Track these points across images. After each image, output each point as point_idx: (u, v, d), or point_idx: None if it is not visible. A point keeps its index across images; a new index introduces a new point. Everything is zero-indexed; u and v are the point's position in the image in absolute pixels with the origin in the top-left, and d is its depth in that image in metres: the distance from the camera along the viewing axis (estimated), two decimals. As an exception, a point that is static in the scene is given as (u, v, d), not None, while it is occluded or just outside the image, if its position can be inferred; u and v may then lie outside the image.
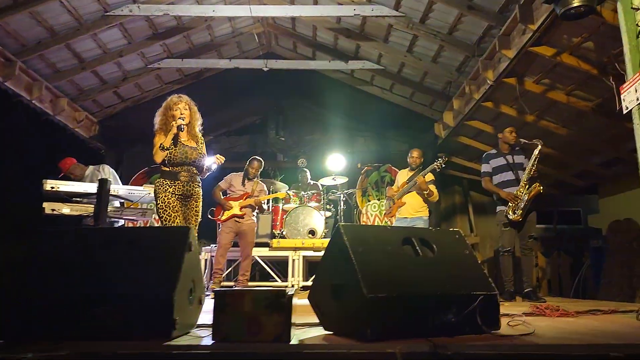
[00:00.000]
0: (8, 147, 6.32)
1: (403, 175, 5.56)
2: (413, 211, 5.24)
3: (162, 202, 3.54)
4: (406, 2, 5.62)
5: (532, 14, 4.47)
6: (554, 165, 7.45)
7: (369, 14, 5.79)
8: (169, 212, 3.52)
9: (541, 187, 4.48)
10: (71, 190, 4.53)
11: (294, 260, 6.24)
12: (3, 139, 6.28)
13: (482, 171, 5.00)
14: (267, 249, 6.34)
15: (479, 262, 2.09)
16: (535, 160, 4.55)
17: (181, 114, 3.59)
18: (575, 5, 3.03)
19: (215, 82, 8.06)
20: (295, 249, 6.25)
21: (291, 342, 1.64)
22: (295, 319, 2.20)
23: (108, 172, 5.54)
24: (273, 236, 6.60)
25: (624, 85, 2.93)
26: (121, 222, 5.21)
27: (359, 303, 1.70)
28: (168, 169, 3.60)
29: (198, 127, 3.79)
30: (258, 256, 6.36)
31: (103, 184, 4.49)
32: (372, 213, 7.91)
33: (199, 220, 3.77)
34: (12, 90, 5.68)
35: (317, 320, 2.04)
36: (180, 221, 3.57)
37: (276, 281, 6.41)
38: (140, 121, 7.90)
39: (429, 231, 2.14)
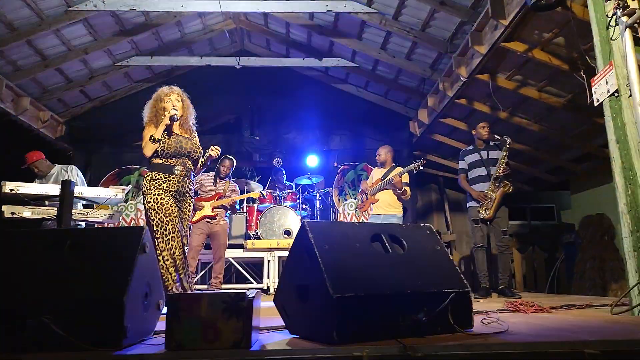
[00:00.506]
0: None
1: (378, 172, 5.50)
2: (387, 208, 5.19)
3: (153, 203, 3.15)
4: (379, -2, 5.57)
5: (503, 9, 4.46)
6: (526, 162, 7.51)
7: (342, 10, 5.72)
8: (160, 217, 3.12)
9: (510, 187, 4.47)
10: (32, 193, 4.32)
11: (269, 261, 6.12)
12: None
13: (458, 168, 5.00)
14: (242, 250, 6.21)
15: (452, 259, 2.02)
16: (504, 158, 4.54)
17: (173, 106, 3.34)
18: (545, -4, 3.00)
19: (187, 81, 7.81)
20: (271, 249, 6.13)
21: (252, 349, 1.53)
22: (261, 322, 2.10)
23: (75, 174, 5.35)
24: (248, 237, 6.46)
25: (595, 78, 2.91)
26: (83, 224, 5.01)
27: (325, 304, 1.60)
28: (161, 161, 3.27)
29: (192, 121, 3.52)
30: (232, 258, 6.22)
31: (66, 185, 4.29)
32: (349, 212, 7.84)
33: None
34: (-31, 88, 5.41)
35: (283, 324, 1.94)
36: (174, 227, 3.14)
37: (251, 283, 6.27)
38: (109, 121, 7.76)
39: (399, 227, 2.05)
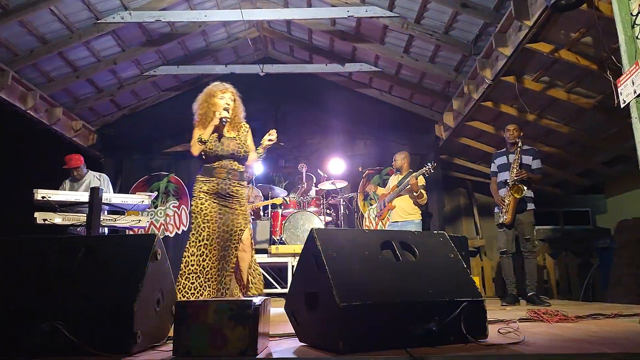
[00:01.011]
0: (5, 157, 6.31)
1: (394, 179, 5.47)
2: (404, 214, 5.16)
3: (194, 206, 3.13)
4: (400, 2, 5.53)
5: (527, 10, 4.36)
6: (557, 165, 7.29)
7: (363, 15, 5.70)
8: (198, 221, 3.07)
9: (521, 192, 4.34)
10: (62, 200, 4.47)
11: (293, 266, 6.13)
12: (1, 150, 6.28)
13: (490, 171, 4.92)
14: (266, 255, 6.24)
15: (466, 267, 1.97)
16: (515, 162, 4.42)
17: (227, 104, 3.27)
18: (565, -5, 2.92)
19: (213, 89, 8.00)
20: (295, 255, 6.14)
21: (258, 356, 1.53)
22: (273, 329, 2.10)
23: (106, 182, 5.54)
24: (272, 242, 6.50)
25: (621, 78, 2.80)
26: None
27: (332, 312, 1.59)
28: (206, 163, 3.22)
29: (242, 120, 3.42)
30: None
31: (95, 192, 4.42)
32: (374, 217, 7.80)
33: (249, 225, 3.26)
34: (6, 100, 5.64)
35: (294, 331, 1.94)
36: (211, 233, 3.06)
37: (276, 288, 6.30)
38: (139, 129, 7.96)
39: (411, 234, 2.02)
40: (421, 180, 5.08)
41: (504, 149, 4.83)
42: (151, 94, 7.80)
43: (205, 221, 3.06)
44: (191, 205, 3.17)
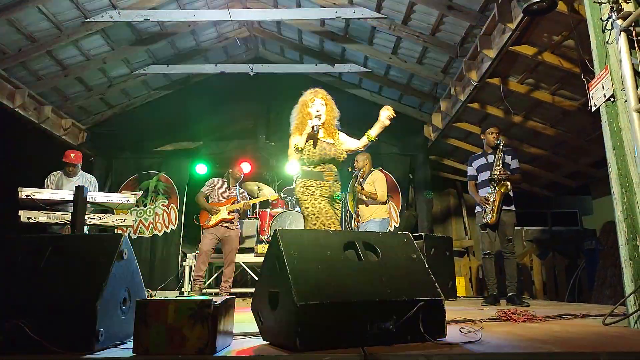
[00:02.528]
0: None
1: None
2: (368, 214, 5.31)
3: (312, 208, 3.16)
4: (387, 4, 5.57)
5: (510, 13, 4.41)
6: (544, 166, 7.36)
7: (351, 16, 5.73)
8: (322, 220, 3.14)
9: (508, 187, 4.39)
10: (47, 198, 4.49)
11: (279, 265, 6.16)
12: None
13: (467, 174, 4.97)
14: (252, 254, 6.28)
15: (427, 268, 2.01)
16: (498, 160, 4.46)
17: (317, 112, 3.29)
18: (537, 0, 2.95)
19: (203, 88, 8.04)
20: (281, 254, 6.17)
21: (216, 354, 1.57)
22: (241, 327, 2.14)
23: (93, 184, 5.57)
24: (260, 242, 6.54)
25: (592, 82, 2.85)
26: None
27: (290, 311, 1.63)
28: (310, 168, 3.25)
29: (335, 122, 3.42)
30: (243, 262, 6.30)
31: (79, 191, 4.44)
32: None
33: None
34: (-6, 98, 5.66)
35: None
36: (336, 223, 3.17)
37: (262, 287, 6.34)
38: (129, 128, 7.98)
39: (374, 235, 2.06)
40: (372, 186, 5.24)
41: (481, 152, 4.88)
42: (141, 93, 7.82)
43: (328, 218, 3.16)
44: (306, 208, 3.20)
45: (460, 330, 2.05)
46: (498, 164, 4.44)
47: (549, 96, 5.55)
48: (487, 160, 4.71)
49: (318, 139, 3.26)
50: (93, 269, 1.72)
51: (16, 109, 6.05)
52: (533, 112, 6.07)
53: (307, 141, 3.24)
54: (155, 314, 1.58)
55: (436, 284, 1.90)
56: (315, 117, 3.25)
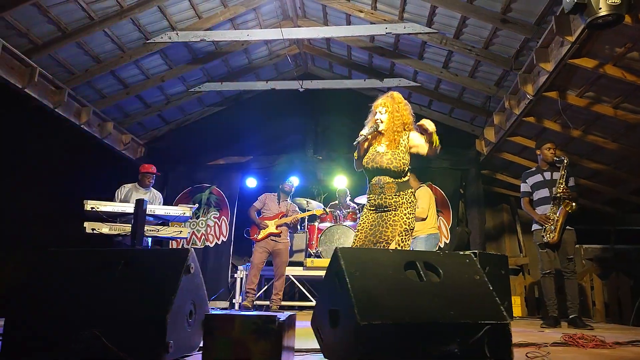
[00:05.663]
0: (59, 169, 6.71)
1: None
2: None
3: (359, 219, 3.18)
4: (439, 19, 5.54)
5: (569, 25, 4.27)
6: (606, 182, 7.00)
7: (401, 32, 5.75)
8: (356, 232, 3.14)
9: (572, 206, 4.21)
10: (110, 211, 4.72)
11: (328, 280, 6.16)
12: (57, 162, 6.69)
13: (520, 191, 4.83)
14: (302, 268, 6.32)
15: (492, 290, 1.96)
16: (562, 177, 4.29)
17: (377, 120, 3.16)
18: (602, 14, 2.85)
19: (254, 103, 8.27)
20: (330, 268, 6.17)
21: (281, 370, 1.59)
22: (302, 344, 2.16)
23: (159, 200, 5.85)
24: (308, 255, 6.58)
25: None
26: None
27: (352, 330, 1.63)
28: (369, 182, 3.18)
29: (399, 126, 3.13)
30: (292, 275, 6.35)
31: (140, 204, 4.65)
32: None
33: (403, 229, 2.99)
34: (62, 115, 6.03)
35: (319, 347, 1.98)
36: (362, 239, 3.05)
37: (311, 301, 6.35)
38: (184, 142, 8.29)
39: (436, 254, 2.03)
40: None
41: (534, 168, 4.72)
42: (196, 109, 8.13)
43: (360, 230, 3.12)
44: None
45: (527, 356, 1.98)
46: (562, 181, 4.28)
47: (610, 109, 5.30)
48: (543, 177, 4.55)
49: (373, 146, 3.14)
50: (162, 282, 1.80)
51: (82, 126, 6.43)
52: (593, 126, 5.81)
53: (367, 150, 3.14)
54: (221, 327, 1.62)
55: (502, 307, 1.85)
56: (371, 126, 3.12)
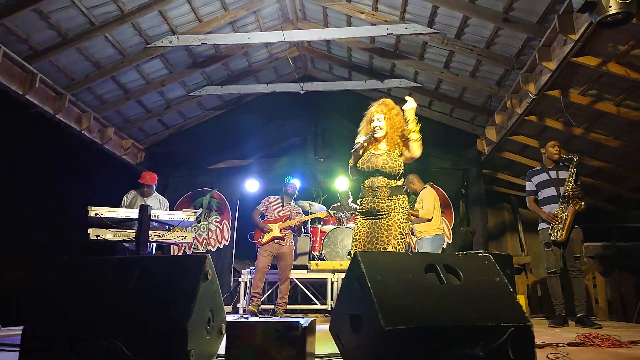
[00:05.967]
0: (60, 175, 6.67)
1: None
2: (417, 233, 5.30)
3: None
4: (440, 19, 5.54)
5: (572, 24, 4.27)
6: (608, 179, 7.02)
7: (403, 33, 5.74)
8: (353, 242, 3.12)
9: (582, 205, 4.22)
10: (114, 217, 4.69)
11: (332, 282, 6.14)
12: (57, 168, 6.65)
13: (525, 189, 4.83)
14: (306, 271, 6.29)
15: (512, 291, 1.95)
16: (571, 176, 4.30)
17: (374, 127, 3.15)
18: (612, 12, 2.84)
19: (254, 106, 8.25)
20: (334, 271, 6.16)
21: (305, 377, 1.57)
22: (321, 348, 2.14)
23: (165, 205, 5.84)
24: (312, 258, 6.55)
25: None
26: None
27: (376, 335, 1.61)
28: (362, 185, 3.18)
29: (398, 131, 3.14)
30: (296, 279, 6.32)
31: (144, 209, 4.62)
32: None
33: (397, 233, 3.00)
34: (63, 121, 5.99)
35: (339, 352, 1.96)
36: (361, 247, 3.04)
37: (315, 304, 6.33)
38: (185, 147, 8.26)
39: (455, 257, 2.02)
40: (419, 205, 5.34)
41: (539, 167, 4.73)
42: (196, 113, 8.10)
43: (355, 239, 3.12)
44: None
45: (548, 357, 1.97)
46: (571, 179, 4.28)
47: (613, 107, 5.32)
48: (549, 176, 4.55)
49: (370, 150, 3.16)
50: (181, 289, 1.77)
51: (82, 131, 6.39)
52: (596, 124, 5.83)
53: (361, 156, 3.15)
54: (243, 335, 1.60)
55: (522, 308, 1.84)
56: (367, 133, 3.13)
